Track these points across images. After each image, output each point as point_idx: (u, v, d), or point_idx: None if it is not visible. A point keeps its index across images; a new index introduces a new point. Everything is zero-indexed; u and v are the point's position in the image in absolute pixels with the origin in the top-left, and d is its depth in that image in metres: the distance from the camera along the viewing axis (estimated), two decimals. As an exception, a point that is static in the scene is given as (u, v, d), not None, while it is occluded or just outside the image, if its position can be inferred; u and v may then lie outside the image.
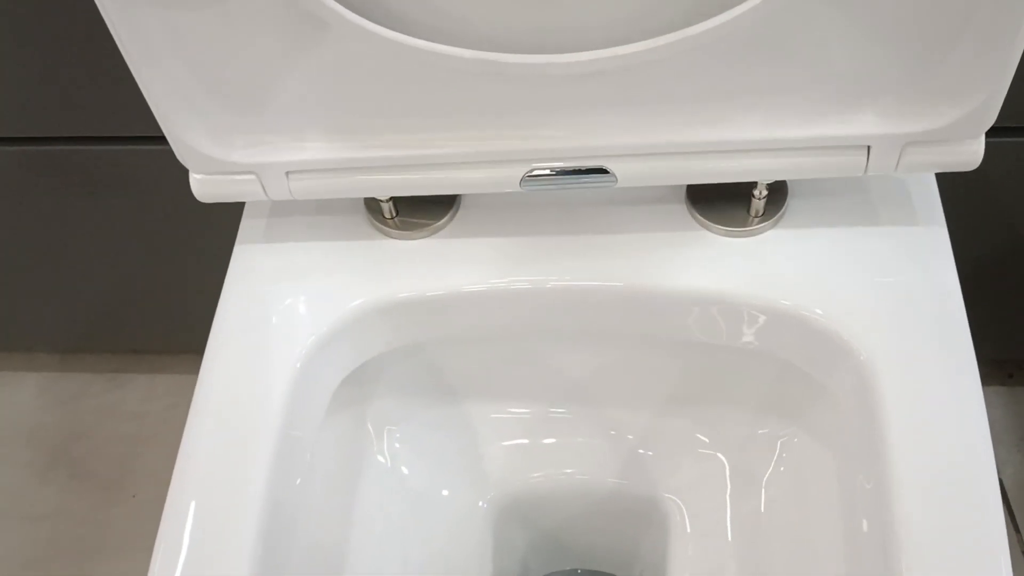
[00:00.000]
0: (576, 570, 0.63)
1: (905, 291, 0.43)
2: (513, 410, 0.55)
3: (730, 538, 0.51)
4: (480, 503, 0.56)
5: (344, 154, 0.42)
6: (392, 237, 0.48)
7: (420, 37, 0.36)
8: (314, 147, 0.42)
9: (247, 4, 0.36)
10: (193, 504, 0.41)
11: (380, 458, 0.52)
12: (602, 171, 0.43)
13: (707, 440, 0.53)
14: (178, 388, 0.95)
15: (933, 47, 0.37)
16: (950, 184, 0.63)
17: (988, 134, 0.42)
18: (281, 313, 0.46)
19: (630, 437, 0.54)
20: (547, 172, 0.43)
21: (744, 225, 0.46)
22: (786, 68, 0.38)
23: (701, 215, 0.46)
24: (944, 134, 0.40)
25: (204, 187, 0.45)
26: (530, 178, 0.43)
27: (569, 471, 0.55)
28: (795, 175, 0.44)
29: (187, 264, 0.78)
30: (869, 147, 0.41)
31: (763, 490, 0.50)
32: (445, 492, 0.55)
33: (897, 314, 0.43)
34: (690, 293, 0.45)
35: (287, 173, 0.44)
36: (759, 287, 0.44)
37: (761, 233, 0.46)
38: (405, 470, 0.53)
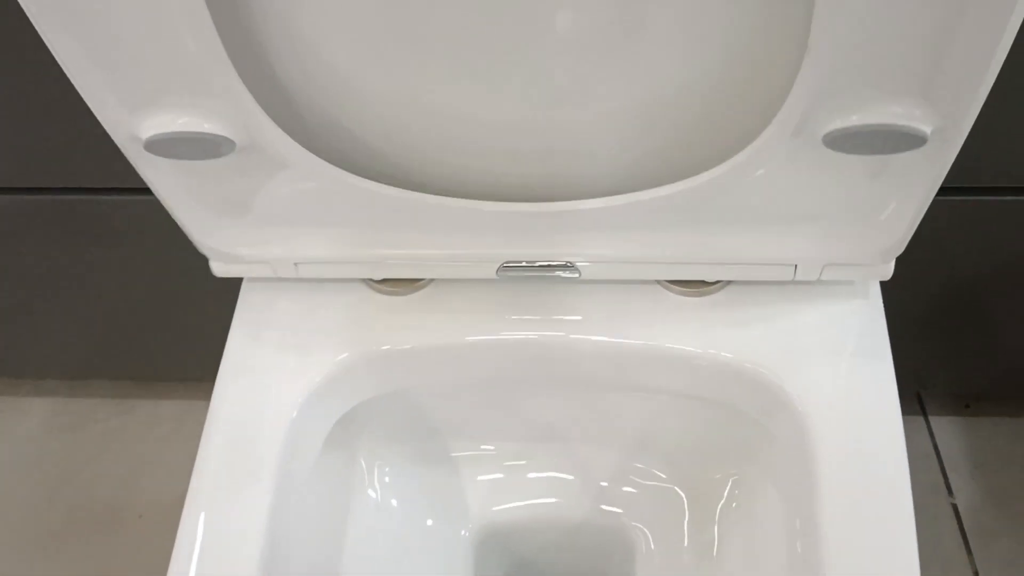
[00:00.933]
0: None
1: (838, 346, 0.49)
2: (491, 448, 0.60)
3: (687, 561, 0.56)
4: (463, 532, 0.61)
5: (340, 253, 0.49)
6: (381, 293, 0.53)
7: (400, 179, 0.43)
8: (315, 249, 0.49)
9: (245, 160, 0.42)
10: (201, 534, 0.46)
11: (371, 492, 0.57)
12: (570, 266, 0.49)
13: (665, 476, 0.58)
14: (180, 413, 0.99)
15: (859, 208, 0.43)
16: None
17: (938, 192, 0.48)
18: (281, 360, 0.51)
19: (598, 473, 0.59)
20: (520, 265, 0.49)
21: (698, 287, 0.51)
22: (734, 216, 0.44)
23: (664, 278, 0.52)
24: (860, 261, 0.47)
25: (220, 270, 0.51)
26: (504, 270, 0.49)
27: (543, 503, 0.60)
28: (735, 278, 0.50)
29: (192, 299, 0.83)
30: (796, 266, 0.47)
31: (716, 523, 0.55)
32: (430, 522, 0.60)
33: (829, 366, 0.48)
34: (648, 347, 0.50)
35: (295, 264, 0.50)
36: (708, 342, 0.49)
37: (712, 294, 0.51)
38: (394, 502, 0.59)
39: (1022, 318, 0.80)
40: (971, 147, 0.57)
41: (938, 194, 0.58)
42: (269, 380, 0.51)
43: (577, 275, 0.49)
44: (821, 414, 0.47)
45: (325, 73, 0.40)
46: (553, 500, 0.60)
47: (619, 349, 0.51)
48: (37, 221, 0.75)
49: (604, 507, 0.59)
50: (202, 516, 0.47)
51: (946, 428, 0.91)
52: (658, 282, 0.52)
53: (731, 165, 0.40)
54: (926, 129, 0.37)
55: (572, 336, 0.51)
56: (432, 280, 0.53)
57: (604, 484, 0.59)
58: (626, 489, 0.59)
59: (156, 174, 0.44)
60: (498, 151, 0.43)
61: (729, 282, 0.51)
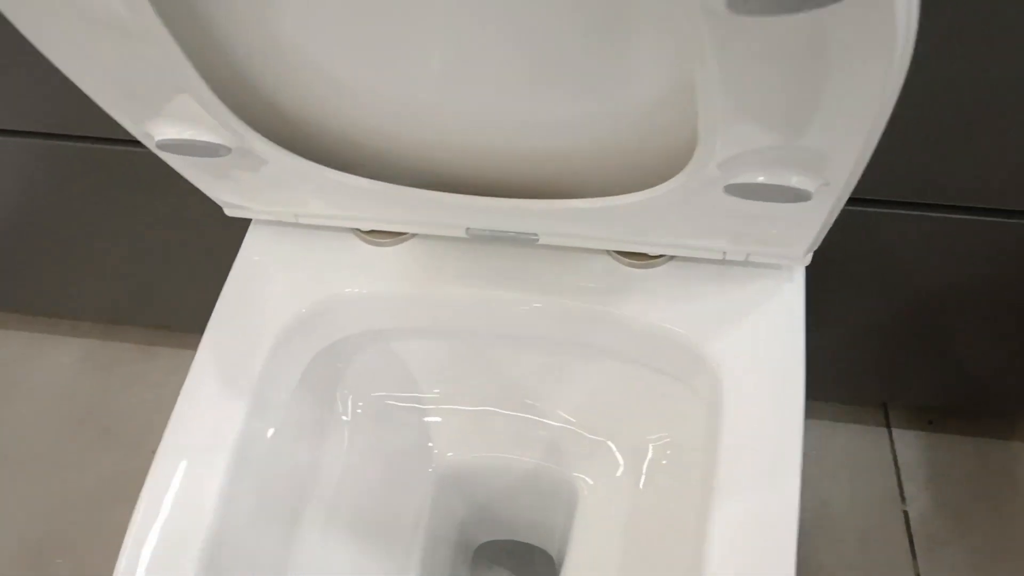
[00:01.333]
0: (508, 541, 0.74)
1: (757, 319, 0.55)
2: (457, 396, 0.67)
3: (619, 504, 0.62)
4: (428, 469, 0.68)
5: (330, 213, 0.56)
6: (367, 243, 0.60)
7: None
8: (309, 209, 0.57)
9: (240, 158, 0.50)
10: (182, 444, 0.54)
11: (344, 418, 0.65)
12: (531, 234, 0.56)
13: (605, 435, 0.64)
14: (199, 364, 1.08)
15: (767, 229, 0.50)
16: (856, 251, 0.74)
17: (892, 206, 0.55)
18: (271, 292, 0.59)
19: (551, 427, 0.66)
20: (486, 230, 0.56)
21: (643, 259, 0.58)
22: (662, 225, 0.51)
23: (613, 249, 0.58)
24: (776, 261, 0.53)
25: (232, 212, 0.60)
26: (471, 231, 0.56)
27: (499, 454, 0.67)
28: (675, 254, 0.56)
29: (215, 252, 0.91)
30: (724, 252, 0.54)
31: (643, 474, 0.61)
32: (398, 457, 0.67)
33: (748, 336, 0.54)
34: (592, 309, 0.57)
35: (295, 215, 0.58)
36: (644, 308, 0.56)
37: (656, 267, 0.58)
38: (365, 438, 0.66)
39: (985, 340, 0.85)
40: (937, 165, 0.64)
41: (907, 208, 0.64)
42: (258, 309, 0.58)
43: (536, 238, 0.56)
44: (733, 379, 0.53)
45: (301, 84, 0.47)
46: (508, 450, 0.67)
47: (566, 308, 0.57)
48: (82, 168, 0.84)
49: (552, 458, 0.66)
50: (182, 430, 0.54)
51: (908, 441, 0.95)
52: (608, 253, 0.58)
53: (647, 195, 0.47)
54: (810, 189, 0.43)
55: (526, 294, 0.58)
56: (415, 235, 0.60)
57: (553, 438, 0.66)
58: (571, 444, 0.65)
59: (171, 160, 0.52)
60: (454, 150, 0.51)
61: (672, 258, 0.58)
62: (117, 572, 0.50)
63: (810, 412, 0.95)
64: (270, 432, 0.58)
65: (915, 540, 0.89)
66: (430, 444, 0.67)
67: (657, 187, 0.47)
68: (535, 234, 0.56)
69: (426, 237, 0.60)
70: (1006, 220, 0.70)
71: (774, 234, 0.51)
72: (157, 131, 0.49)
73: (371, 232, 0.61)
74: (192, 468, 0.53)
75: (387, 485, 0.66)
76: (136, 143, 0.79)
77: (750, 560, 0.47)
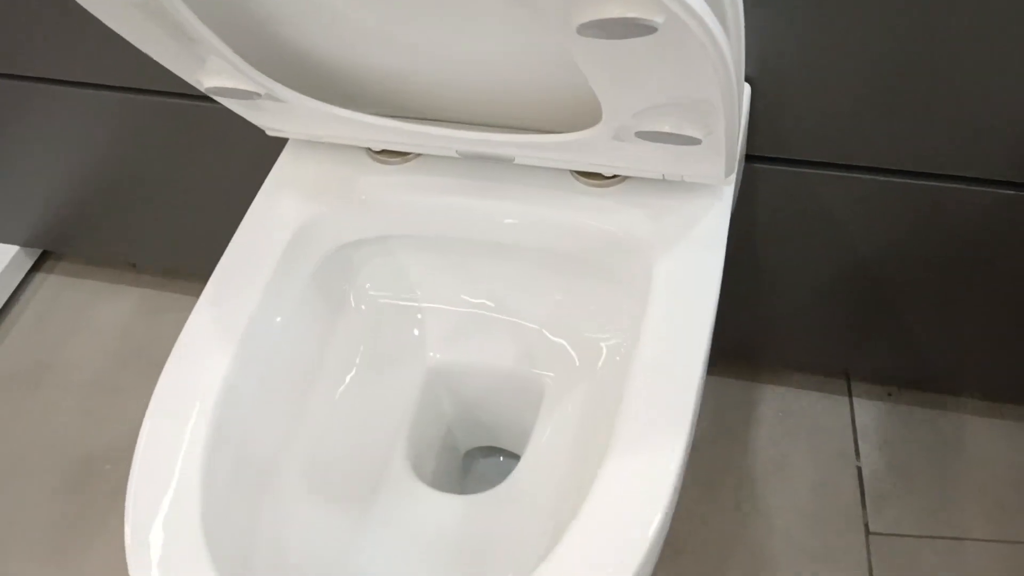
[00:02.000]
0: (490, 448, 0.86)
1: (688, 228, 0.66)
2: (445, 300, 0.79)
3: (577, 397, 0.74)
4: (418, 365, 0.79)
5: (346, 136, 0.70)
6: (377, 161, 0.74)
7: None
8: (330, 133, 0.70)
9: (270, 101, 0.64)
10: (201, 325, 0.66)
11: (347, 314, 0.77)
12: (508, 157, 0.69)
13: (566, 340, 0.76)
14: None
15: (683, 160, 0.63)
16: (798, 212, 0.85)
17: (825, 167, 0.71)
18: (292, 202, 0.72)
19: (525, 330, 0.78)
20: (471, 151, 0.69)
21: (600, 180, 0.70)
22: (605, 156, 0.64)
23: (576, 173, 0.71)
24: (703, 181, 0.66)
25: (271, 132, 0.73)
26: (460, 152, 0.69)
27: (480, 356, 0.79)
28: (624, 174, 0.69)
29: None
30: (663, 174, 0.66)
31: (597, 371, 0.73)
32: (393, 352, 0.79)
33: (677, 243, 0.66)
34: (554, 216, 0.69)
35: (319, 137, 0.71)
36: (596, 216, 0.68)
37: (610, 187, 0.70)
38: (365, 331, 0.78)
39: (932, 314, 0.94)
40: (867, 129, 0.75)
41: (839, 170, 0.76)
42: (279, 214, 0.71)
43: (512, 158, 0.69)
44: (660, 277, 0.64)
45: (314, 40, 0.62)
46: (488, 351, 0.79)
47: (538, 214, 0.70)
48: (154, 121, 0.99)
49: (525, 359, 0.78)
50: (202, 315, 0.67)
51: (867, 409, 1.05)
52: (571, 173, 0.71)
53: (579, 136, 0.60)
54: (699, 136, 0.56)
55: (504, 203, 0.70)
56: (418, 156, 0.74)
57: (527, 341, 0.78)
58: (539, 346, 0.77)
59: (221, 100, 0.67)
60: (436, 86, 0.64)
61: (626, 179, 0.70)
62: (141, 434, 0.61)
63: (776, 379, 1.06)
64: (278, 319, 0.70)
65: (866, 492, 0.98)
66: (421, 343, 0.79)
67: (585, 131, 0.60)
68: (511, 156, 0.69)
69: (427, 158, 0.74)
70: (931, 183, 0.80)
71: (692, 163, 0.63)
72: (204, 81, 0.63)
73: (381, 152, 0.74)
74: (207, 347, 0.65)
75: (381, 376, 0.78)
76: (204, 97, 0.94)
77: (649, 432, 0.57)
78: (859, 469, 1.00)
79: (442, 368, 0.79)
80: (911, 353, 0.99)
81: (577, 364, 0.76)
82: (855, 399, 1.05)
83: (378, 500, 0.73)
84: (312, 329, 0.75)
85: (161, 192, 1.09)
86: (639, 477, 0.55)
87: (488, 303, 0.79)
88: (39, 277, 1.28)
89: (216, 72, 0.62)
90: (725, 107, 0.53)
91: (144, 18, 0.56)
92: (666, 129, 0.57)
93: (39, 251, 1.29)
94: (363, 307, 0.78)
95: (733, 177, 0.67)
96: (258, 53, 0.64)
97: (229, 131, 0.97)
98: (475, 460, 0.94)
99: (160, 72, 0.92)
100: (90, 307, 1.24)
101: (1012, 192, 0.79)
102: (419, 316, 0.80)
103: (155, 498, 0.58)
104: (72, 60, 0.94)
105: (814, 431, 1.03)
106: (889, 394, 1.06)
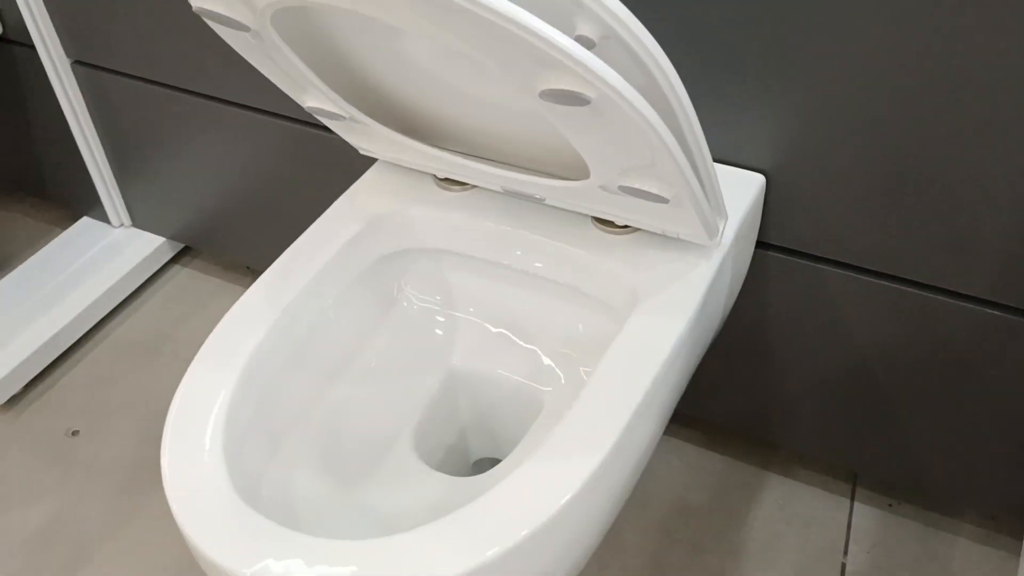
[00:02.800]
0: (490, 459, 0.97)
1: (667, 283, 0.78)
2: (480, 316, 0.93)
3: (563, 410, 0.85)
4: (442, 366, 0.93)
5: (414, 161, 0.86)
6: (440, 187, 0.90)
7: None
8: (402, 159, 0.87)
9: (352, 124, 0.81)
10: (252, 297, 0.81)
11: (389, 309, 0.92)
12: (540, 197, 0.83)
13: (562, 360, 0.88)
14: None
15: (664, 215, 0.75)
16: (808, 305, 0.94)
17: (850, 270, 0.81)
18: (362, 209, 0.88)
19: (536, 354, 0.90)
20: (508, 188, 0.84)
21: (615, 229, 0.83)
22: (607, 203, 0.78)
23: (595, 220, 0.84)
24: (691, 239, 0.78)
25: (364, 154, 0.90)
26: (503, 189, 0.84)
27: (499, 370, 0.92)
28: (628, 225, 0.82)
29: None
30: (663, 230, 0.79)
31: (583, 378, 0.85)
32: (422, 351, 0.93)
33: (655, 292, 0.77)
34: (574, 252, 0.82)
35: (394, 159, 0.88)
36: (602, 260, 0.81)
37: (623, 235, 0.83)
38: (401, 328, 0.92)
39: (941, 429, 1.00)
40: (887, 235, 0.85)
41: (870, 276, 0.87)
42: (349, 216, 0.88)
43: (543, 199, 0.83)
44: (638, 313, 0.76)
45: (385, 87, 0.78)
46: (504, 369, 0.91)
47: (558, 250, 0.83)
48: (287, 143, 1.19)
49: (530, 378, 0.90)
50: (260, 287, 0.82)
51: (866, 514, 1.10)
52: (592, 220, 0.84)
53: (576, 184, 0.75)
54: (666, 196, 0.69)
55: (533, 235, 0.84)
56: (474, 188, 0.89)
57: (532, 364, 0.90)
58: (541, 368, 0.89)
59: (320, 119, 0.84)
60: (475, 134, 0.80)
61: (632, 233, 0.83)
62: (183, 380, 0.76)
63: (785, 471, 1.14)
64: (328, 302, 0.85)
65: (844, 587, 1.03)
66: (448, 348, 0.93)
67: (580, 181, 0.74)
68: (542, 198, 0.83)
69: (481, 192, 0.89)
70: (922, 293, 0.88)
71: (676, 221, 0.76)
72: (305, 101, 0.81)
73: (444, 180, 0.90)
74: (251, 316, 0.79)
75: (406, 370, 0.91)
76: (325, 127, 1.13)
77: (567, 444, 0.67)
78: (843, 565, 1.05)
79: (462, 374, 0.92)
80: (912, 465, 1.04)
81: (563, 383, 0.87)
82: (856, 503, 1.11)
83: (380, 468, 0.86)
84: (354, 317, 0.89)
85: (281, 206, 1.28)
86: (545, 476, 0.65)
87: (510, 322, 0.92)
88: (175, 268, 1.50)
89: (313, 96, 0.80)
90: (676, 173, 0.66)
91: (261, 53, 0.74)
92: (637, 186, 0.70)
93: (181, 246, 1.51)
94: (404, 307, 0.93)
95: (720, 240, 0.79)
96: (347, 87, 0.81)
97: (341, 158, 1.16)
98: (483, 468, 1.05)
99: (293, 104, 1.12)
100: (209, 298, 1.44)
101: (994, 312, 0.86)
102: (450, 325, 0.93)
103: (186, 433, 0.71)
104: (231, 84, 1.16)
105: (809, 523, 1.09)
106: (890, 504, 1.11)
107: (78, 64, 1.28)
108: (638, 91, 0.65)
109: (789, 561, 1.05)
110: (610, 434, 0.68)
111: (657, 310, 0.76)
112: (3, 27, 1.30)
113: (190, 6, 1.09)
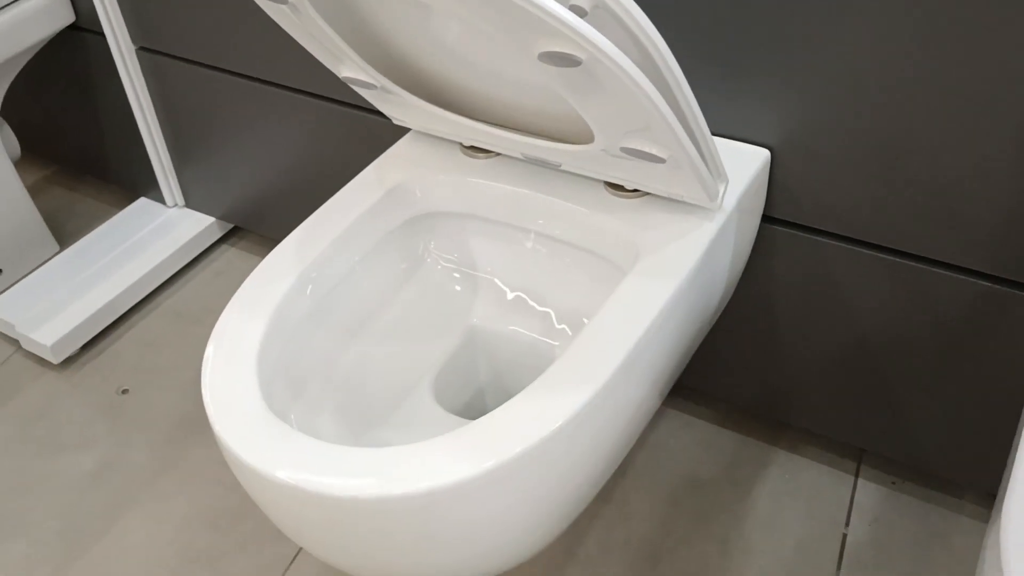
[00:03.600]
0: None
1: (671, 238, 0.84)
2: (498, 281, 0.99)
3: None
4: (463, 323, 0.99)
5: (441, 129, 0.93)
6: (464, 154, 0.97)
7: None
8: (430, 127, 0.94)
9: (386, 94, 0.89)
10: (281, 252, 0.88)
11: (414, 268, 0.99)
12: (556, 163, 0.90)
13: (567, 321, 0.94)
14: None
15: (663, 176, 0.81)
16: (809, 278, 0.99)
17: (850, 243, 0.85)
18: (392, 175, 0.96)
19: (548, 313, 0.96)
20: (531, 156, 0.90)
21: (625, 193, 0.89)
22: (614, 166, 0.84)
23: (607, 185, 0.91)
24: (694, 201, 0.84)
25: (397, 124, 0.98)
26: (523, 155, 0.91)
27: (514, 328, 0.98)
28: (637, 188, 0.88)
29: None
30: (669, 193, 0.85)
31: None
32: (445, 310, 0.99)
33: (657, 248, 0.83)
34: (585, 212, 0.89)
35: (424, 127, 0.95)
36: (614, 218, 0.87)
37: (632, 199, 0.89)
38: (425, 286, 0.99)
39: (943, 406, 1.04)
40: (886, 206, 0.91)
41: (872, 249, 0.92)
42: (379, 181, 0.95)
43: (559, 165, 0.90)
44: (639, 266, 0.82)
45: (415, 59, 0.86)
46: (519, 326, 0.98)
47: (571, 212, 0.90)
48: (319, 122, 1.27)
49: (544, 335, 0.96)
50: (289, 243, 0.89)
51: (869, 491, 1.14)
52: (607, 189, 0.91)
53: (583, 147, 0.81)
54: (663, 156, 0.75)
55: (548, 197, 0.91)
56: (497, 155, 0.96)
57: (546, 324, 0.96)
58: (552, 327, 0.95)
59: (355, 88, 0.92)
60: (497, 103, 0.87)
61: (641, 196, 0.89)
62: (216, 325, 0.83)
63: (792, 448, 1.18)
64: (356, 258, 0.92)
65: (844, 558, 1.07)
66: (468, 306, 0.99)
67: (586, 145, 0.81)
68: (558, 163, 0.90)
69: (503, 159, 0.96)
70: (920, 266, 0.93)
71: (678, 183, 0.82)
72: (340, 71, 0.89)
73: (470, 147, 0.97)
74: (278, 269, 0.85)
75: (428, 325, 0.98)
76: (363, 108, 1.22)
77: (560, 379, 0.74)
78: (844, 536, 1.09)
79: (480, 331, 0.99)
80: (914, 443, 1.08)
81: (568, 331, 0.94)
82: (860, 479, 1.15)
83: (399, 412, 0.92)
84: (381, 274, 0.96)
85: (325, 188, 1.37)
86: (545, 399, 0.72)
87: (526, 286, 0.98)
88: (224, 247, 1.59)
89: (348, 67, 0.88)
90: (669, 134, 0.72)
91: (299, 26, 0.82)
92: (636, 147, 0.76)
93: (230, 226, 1.60)
94: (428, 265, 1.00)
95: (720, 204, 0.85)
96: (378, 59, 0.89)
97: (381, 140, 1.24)
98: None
99: (339, 85, 1.21)
100: (254, 275, 1.53)
101: (988, 284, 0.90)
102: (471, 284, 1.00)
103: (223, 368, 0.78)
104: (283, 67, 1.24)
105: (813, 496, 1.13)
106: (893, 482, 1.14)
107: (142, 50, 1.39)
108: (631, 60, 0.71)
109: (791, 531, 1.10)
110: (601, 373, 0.73)
111: (657, 265, 0.82)
112: (76, 15, 1.41)
113: (246, -8, 1.18)
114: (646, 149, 0.76)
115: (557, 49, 0.66)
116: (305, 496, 0.67)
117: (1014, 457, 0.64)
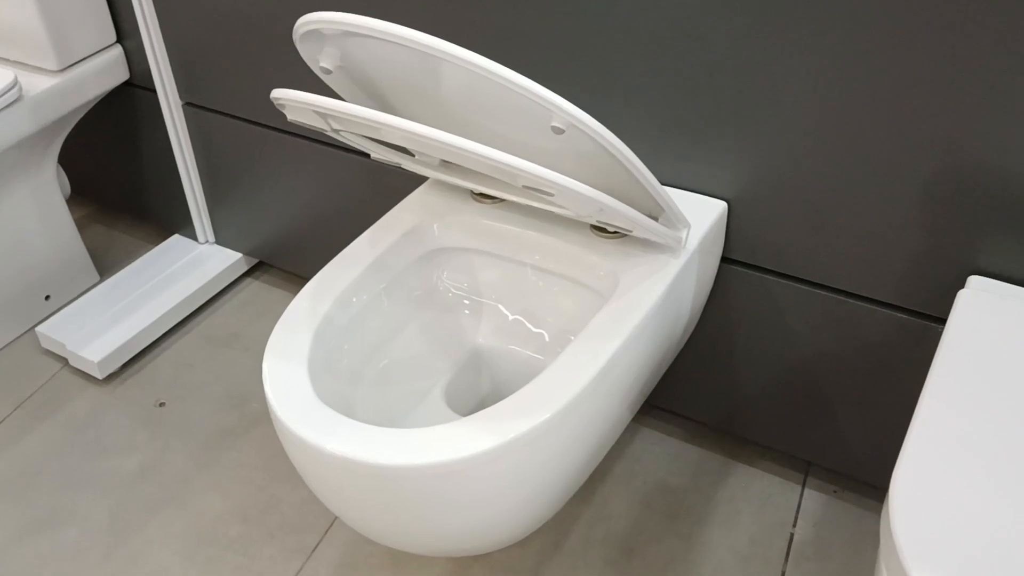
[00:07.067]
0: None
1: (646, 269, 1.03)
2: (500, 306, 1.18)
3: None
4: (471, 345, 1.18)
5: (450, 180, 1.13)
6: (475, 201, 1.16)
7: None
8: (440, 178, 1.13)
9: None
10: (321, 279, 1.08)
11: (429, 295, 1.18)
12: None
13: (554, 339, 1.13)
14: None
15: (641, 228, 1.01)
16: (755, 311, 1.18)
17: (790, 280, 1.04)
18: (410, 215, 1.15)
19: (541, 335, 1.15)
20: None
21: (606, 234, 1.09)
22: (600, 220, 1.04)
23: (592, 227, 1.10)
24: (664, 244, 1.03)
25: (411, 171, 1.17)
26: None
27: (512, 347, 1.17)
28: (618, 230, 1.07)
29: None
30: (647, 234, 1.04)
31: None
32: (455, 331, 1.18)
33: (631, 282, 1.02)
34: (571, 248, 1.08)
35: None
36: (594, 253, 1.06)
37: (613, 240, 1.08)
38: (438, 311, 1.18)
39: (871, 423, 1.22)
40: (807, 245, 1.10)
41: (808, 286, 1.11)
42: (399, 221, 1.14)
43: (552, 196, 1.09)
44: (614, 298, 1.01)
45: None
46: (517, 345, 1.16)
47: (562, 247, 1.09)
48: (343, 172, 1.46)
49: (537, 353, 1.14)
50: (327, 272, 1.08)
51: (814, 498, 1.32)
52: (589, 227, 1.10)
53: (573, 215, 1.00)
54: (629, 229, 0.95)
55: (542, 236, 1.10)
56: (503, 202, 1.15)
57: (542, 340, 1.15)
58: (545, 346, 1.14)
59: (352, 139, 1.12)
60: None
61: (623, 239, 1.08)
62: (269, 341, 1.03)
63: (750, 462, 1.36)
64: (382, 285, 1.11)
65: (791, 552, 1.24)
66: (474, 328, 1.18)
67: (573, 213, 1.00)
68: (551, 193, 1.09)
69: (508, 204, 1.15)
70: (846, 300, 1.12)
71: (644, 235, 1.01)
72: (374, 152, 1.09)
73: (479, 195, 1.16)
74: (319, 293, 1.05)
75: (440, 342, 1.17)
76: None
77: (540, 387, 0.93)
78: (792, 535, 1.27)
79: (484, 349, 1.17)
80: (852, 457, 1.26)
81: (556, 348, 1.12)
82: (807, 489, 1.33)
83: (417, 411, 1.10)
84: (403, 297, 1.15)
85: (345, 230, 1.55)
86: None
87: (524, 309, 1.17)
88: (249, 279, 1.77)
89: (378, 150, 1.07)
90: (629, 224, 0.92)
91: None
92: (608, 221, 0.95)
93: (255, 261, 1.79)
94: (441, 292, 1.19)
95: (684, 246, 1.04)
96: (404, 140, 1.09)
97: (397, 191, 1.43)
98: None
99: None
100: (276, 305, 1.71)
101: (904, 316, 1.10)
102: (477, 308, 1.19)
103: (280, 369, 0.96)
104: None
105: (765, 502, 1.31)
106: (835, 491, 1.32)
107: (188, 105, 1.58)
108: (603, 168, 0.91)
109: (746, 530, 1.27)
110: (579, 380, 0.91)
111: (631, 294, 1.01)
112: (131, 73, 1.61)
113: (281, 59, 1.38)
114: (615, 224, 0.96)
115: (554, 124, 0.86)
116: (351, 465, 0.85)
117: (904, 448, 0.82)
